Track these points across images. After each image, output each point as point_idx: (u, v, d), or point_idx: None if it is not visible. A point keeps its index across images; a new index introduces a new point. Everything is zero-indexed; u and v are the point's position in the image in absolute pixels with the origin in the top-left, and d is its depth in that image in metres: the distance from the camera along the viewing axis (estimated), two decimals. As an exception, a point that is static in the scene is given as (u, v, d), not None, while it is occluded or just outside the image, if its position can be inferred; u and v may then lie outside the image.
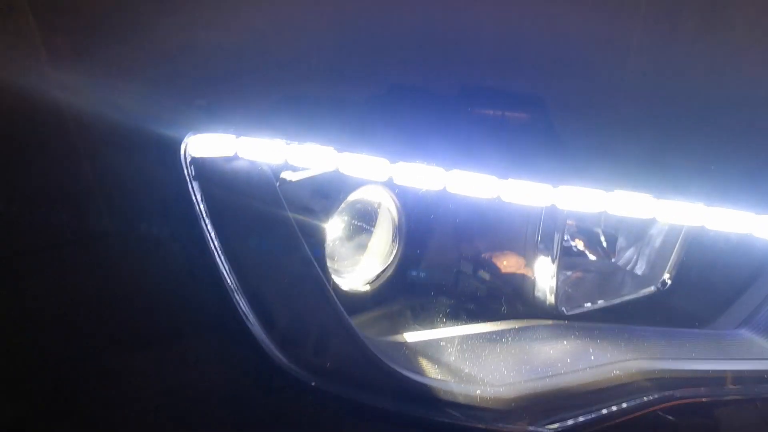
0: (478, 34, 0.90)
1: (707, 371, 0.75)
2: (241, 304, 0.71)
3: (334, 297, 0.70)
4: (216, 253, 0.71)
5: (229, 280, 0.71)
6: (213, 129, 0.71)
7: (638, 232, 0.94)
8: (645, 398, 0.72)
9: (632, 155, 0.77)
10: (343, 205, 0.80)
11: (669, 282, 0.88)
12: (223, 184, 0.71)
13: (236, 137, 0.72)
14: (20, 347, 0.77)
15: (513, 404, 0.70)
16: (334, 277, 0.81)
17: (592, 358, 0.73)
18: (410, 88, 0.78)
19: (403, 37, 0.90)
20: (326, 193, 0.78)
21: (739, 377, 0.76)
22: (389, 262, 0.86)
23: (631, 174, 0.75)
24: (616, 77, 0.96)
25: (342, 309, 0.70)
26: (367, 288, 0.85)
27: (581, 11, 0.93)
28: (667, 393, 0.72)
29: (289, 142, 0.72)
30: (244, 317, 0.71)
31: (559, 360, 0.73)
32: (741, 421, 0.85)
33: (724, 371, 0.76)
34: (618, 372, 0.71)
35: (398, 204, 0.85)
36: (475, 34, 0.90)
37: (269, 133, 0.72)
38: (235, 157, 0.72)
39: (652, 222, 0.91)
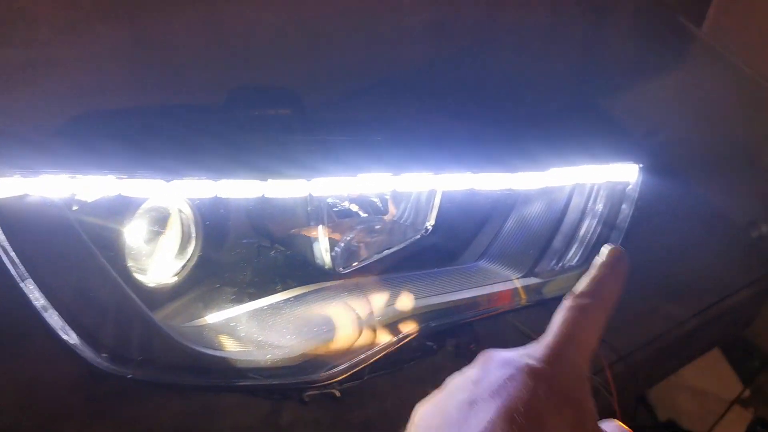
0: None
1: (451, 301, 0.95)
2: (53, 320, 0.82)
3: (134, 297, 0.82)
4: (23, 282, 0.81)
5: (38, 302, 0.81)
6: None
7: (405, 191, 1.11)
8: (406, 334, 0.91)
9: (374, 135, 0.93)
10: (137, 215, 0.91)
11: (430, 228, 1.06)
12: (18, 219, 0.80)
13: (23, 177, 0.80)
14: None
15: (297, 361, 0.87)
16: (140, 276, 0.93)
17: (358, 313, 0.91)
18: (171, 112, 0.90)
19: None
20: (118, 209, 0.88)
21: (477, 301, 0.97)
22: (191, 254, 0.99)
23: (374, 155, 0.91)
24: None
25: (142, 305, 0.82)
26: (175, 279, 0.98)
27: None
28: (423, 324, 0.92)
29: (72, 176, 0.81)
30: (57, 331, 0.82)
31: (332, 317, 0.91)
32: (489, 325, 1.08)
33: (465, 298, 0.96)
34: (379, 318, 0.90)
35: (191, 203, 0.97)
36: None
37: (54, 170, 0.81)
38: (26, 196, 0.80)
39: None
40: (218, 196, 0.85)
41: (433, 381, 1.03)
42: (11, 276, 0.80)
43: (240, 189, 0.85)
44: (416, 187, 0.91)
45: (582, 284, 0.61)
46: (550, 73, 1.23)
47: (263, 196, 0.86)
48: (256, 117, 0.93)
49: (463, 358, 1.07)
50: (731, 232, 1.48)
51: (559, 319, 0.60)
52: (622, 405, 1.13)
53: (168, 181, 0.82)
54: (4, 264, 0.79)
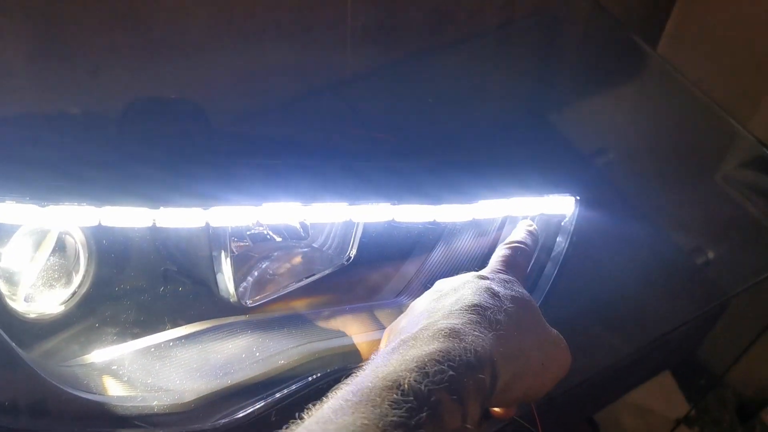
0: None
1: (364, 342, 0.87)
2: None
3: (4, 337, 0.73)
4: None
5: None
6: None
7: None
8: (310, 378, 0.83)
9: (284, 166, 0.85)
10: (15, 237, 0.81)
11: (351, 257, 0.98)
12: None
13: None
14: None
15: (190, 406, 0.78)
16: (16, 305, 0.83)
17: (257, 354, 0.82)
18: (52, 126, 0.80)
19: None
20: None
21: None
22: (82, 280, 0.89)
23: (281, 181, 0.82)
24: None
25: (7, 339, 0.72)
26: (63, 308, 0.88)
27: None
28: (329, 369, 0.84)
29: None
30: None
31: (232, 358, 0.82)
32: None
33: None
34: (282, 361, 0.81)
35: (82, 227, 0.88)
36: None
37: None
38: None
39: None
40: (101, 224, 0.75)
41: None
42: None
43: (127, 217, 0.76)
44: (329, 218, 0.82)
45: (512, 236, 0.92)
46: (491, 95, 1.16)
47: (154, 224, 0.77)
48: (153, 131, 0.84)
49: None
50: (676, 259, 1.43)
51: (497, 254, 0.87)
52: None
53: (42, 206, 0.73)
54: None
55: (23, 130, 0.85)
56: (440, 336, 0.61)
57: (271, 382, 0.81)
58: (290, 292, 0.94)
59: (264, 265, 0.98)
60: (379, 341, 0.88)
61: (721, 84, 1.87)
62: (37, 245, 0.85)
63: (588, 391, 1.22)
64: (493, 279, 0.77)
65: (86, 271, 0.90)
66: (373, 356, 0.62)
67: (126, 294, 0.93)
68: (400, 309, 0.97)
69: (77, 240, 0.88)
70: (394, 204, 0.84)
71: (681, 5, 1.95)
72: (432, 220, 0.88)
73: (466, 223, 1.00)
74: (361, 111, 1.01)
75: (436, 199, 0.86)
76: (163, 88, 0.98)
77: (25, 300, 0.84)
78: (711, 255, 1.47)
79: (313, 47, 1.17)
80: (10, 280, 0.83)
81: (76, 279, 0.89)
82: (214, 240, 0.83)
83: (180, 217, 0.77)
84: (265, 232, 1.00)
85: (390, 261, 1.01)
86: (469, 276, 0.77)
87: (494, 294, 0.72)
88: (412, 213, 0.87)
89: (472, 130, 0.99)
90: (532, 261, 0.92)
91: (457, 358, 0.58)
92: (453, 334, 0.62)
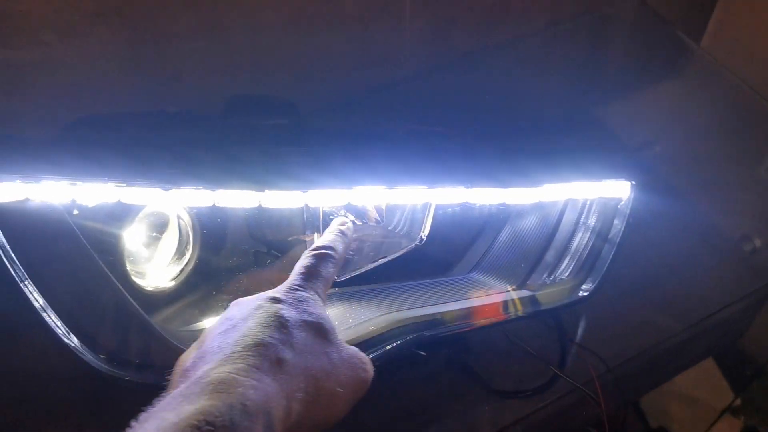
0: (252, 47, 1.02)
1: (443, 312, 0.96)
2: (52, 321, 0.83)
3: (131, 300, 0.83)
4: (22, 280, 0.82)
5: (37, 303, 0.82)
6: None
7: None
8: (396, 342, 0.92)
9: (372, 147, 0.94)
10: (136, 220, 0.92)
11: (425, 238, 1.07)
12: (19, 223, 0.81)
13: (24, 183, 0.81)
14: None
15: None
16: (139, 280, 0.94)
17: (350, 320, 0.92)
18: (170, 121, 0.91)
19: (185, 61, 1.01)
20: (118, 214, 0.89)
21: (468, 313, 0.98)
22: (189, 259, 1.00)
23: (370, 167, 0.91)
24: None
25: (140, 309, 0.83)
26: (173, 283, 0.98)
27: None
28: (414, 335, 0.93)
29: (73, 182, 0.82)
30: (55, 332, 0.83)
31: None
32: (481, 336, 1.10)
33: (457, 310, 0.97)
34: (372, 327, 0.90)
35: (188, 209, 0.98)
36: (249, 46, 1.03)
37: (55, 176, 0.82)
38: (27, 200, 0.82)
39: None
40: (216, 205, 0.85)
41: (427, 388, 1.05)
42: (12, 277, 0.80)
43: (237, 199, 0.86)
44: (411, 200, 0.91)
45: (318, 242, 0.86)
46: (545, 90, 1.24)
47: (260, 206, 0.87)
48: (253, 126, 0.94)
49: (456, 368, 1.08)
50: (724, 245, 1.48)
51: (299, 264, 0.81)
52: (611, 413, 1.14)
53: (166, 190, 0.83)
54: (4, 265, 0.80)
55: (137, 125, 0.96)
56: (207, 391, 0.57)
57: (361, 346, 0.89)
58: (371, 269, 1.03)
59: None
60: (453, 312, 0.97)
61: (761, 78, 1.91)
62: (154, 228, 0.96)
63: (632, 374, 1.27)
64: (286, 301, 0.72)
65: (192, 251, 1.00)
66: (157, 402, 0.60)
67: (224, 272, 1.03)
68: (472, 283, 1.05)
69: (186, 223, 0.98)
70: (468, 187, 0.93)
71: (722, 3, 2.00)
72: (501, 202, 0.97)
73: (531, 206, 1.08)
74: (427, 105, 1.10)
75: (505, 182, 0.94)
76: (247, 88, 1.08)
77: (143, 276, 0.95)
78: (758, 243, 1.52)
79: (375, 46, 1.26)
80: (133, 259, 0.94)
81: (185, 258, 1.00)
82: (309, 220, 0.93)
83: (282, 199, 0.87)
84: (345, 215, 1.10)
85: (460, 241, 1.10)
86: (263, 299, 0.72)
87: (282, 324, 0.68)
88: (484, 195, 0.95)
89: (536, 122, 1.07)
90: (340, 265, 0.85)
91: (219, 419, 0.53)
92: (222, 387, 0.57)
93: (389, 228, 1.12)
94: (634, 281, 1.22)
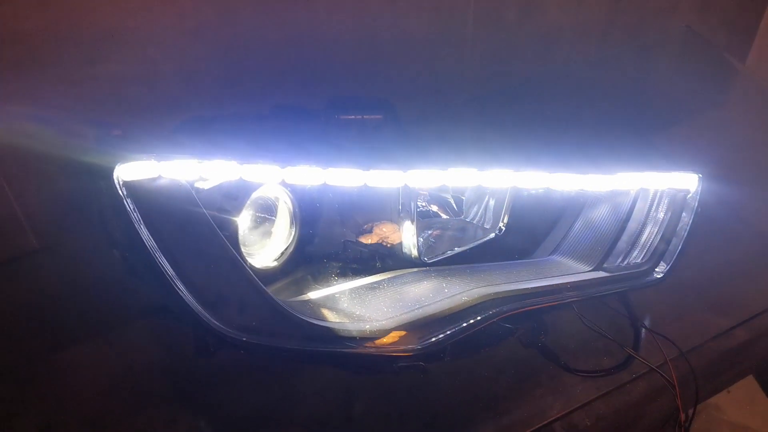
0: (334, 58, 1.12)
1: (529, 288, 1.02)
2: (180, 289, 0.90)
3: (250, 271, 0.91)
4: (153, 252, 0.90)
5: (167, 271, 0.90)
6: (137, 157, 0.89)
7: (480, 195, 1.20)
8: (486, 314, 0.97)
9: (460, 140, 1.02)
10: (248, 202, 1.00)
11: (504, 228, 1.13)
12: (151, 199, 0.88)
13: (158, 161, 0.90)
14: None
15: (398, 334, 0.93)
16: (248, 258, 1.02)
17: (446, 290, 0.98)
18: (286, 108, 0.99)
19: (277, 68, 1.12)
20: (234, 195, 0.97)
21: (552, 289, 1.03)
22: (290, 242, 1.07)
23: (461, 154, 0.99)
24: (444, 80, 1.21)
25: (257, 279, 0.90)
26: (276, 264, 1.06)
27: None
28: (502, 308, 0.98)
29: (200, 160, 0.91)
30: (183, 299, 0.90)
31: (422, 296, 0.98)
32: (556, 319, 1.15)
33: (541, 286, 1.03)
34: (465, 298, 0.96)
35: (292, 196, 1.06)
36: (331, 58, 1.13)
37: (183, 155, 0.91)
38: (159, 177, 0.90)
39: (486, 187, 1.16)
40: (326, 183, 0.93)
41: (507, 364, 1.09)
42: (146, 248, 0.88)
43: (345, 177, 0.93)
44: (498, 183, 0.98)
45: None
46: (615, 93, 1.32)
47: (365, 184, 0.94)
48: (353, 121, 1.02)
49: (533, 347, 1.13)
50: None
51: None
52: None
53: (282, 167, 0.91)
54: (140, 237, 0.88)
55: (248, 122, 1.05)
56: None
57: (455, 316, 0.95)
58: (457, 253, 1.09)
59: (429, 234, 1.14)
60: (537, 288, 1.03)
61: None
62: (262, 213, 1.03)
63: (699, 365, 1.27)
64: None
65: (294, 235, 1.08)
66: None
67: (319, 257, 1.10)
68: (553, 264, 1.11)
69: (289, 208, 1.06)
70: (550, 173, 1.00)
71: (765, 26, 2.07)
72: (579, 189, 1.03)
73: (605, 195, 1.14)
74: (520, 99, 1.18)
75: (582, 169, 1.01)
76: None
77: (252, 256, 1.03)
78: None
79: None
80: (243, 240, 1.01)
81: (288, 241, 1.07)
82: (404, 209, 1.00)
83: (385, 178, 0.94)
84: (429, 209, 1.17)
85: (537, 228, 1.16)
86: None
87: None
88: (564, 181, 1.02)
89: (612, 119, 1.14)
90: None
91: None
92: None
93: (468, 218, 1.19)
94: (698, 275, 1.26)
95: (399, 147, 0.97)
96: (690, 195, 1.11)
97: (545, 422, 1.03)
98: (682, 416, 1.10)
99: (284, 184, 0.99)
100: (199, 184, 0.94)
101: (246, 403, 1.07)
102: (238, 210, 0.97)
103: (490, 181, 0.98)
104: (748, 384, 2.33)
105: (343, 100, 1.06)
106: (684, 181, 1.11)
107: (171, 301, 0.90)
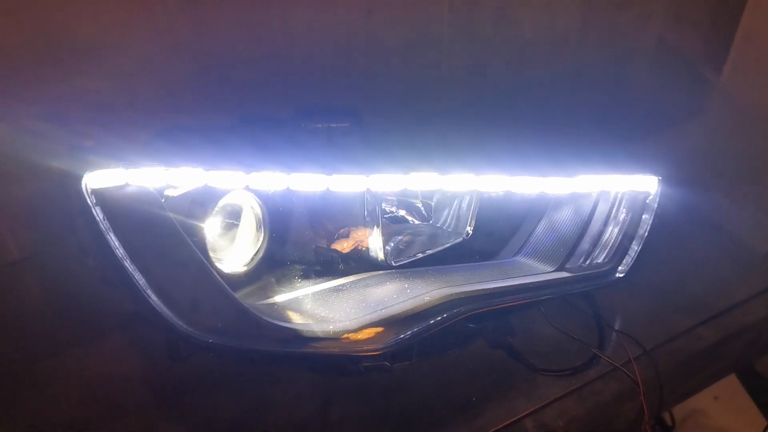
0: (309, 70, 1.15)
1: (491, 288, 1.04)
2: (149, 295, 0.92)
3: (217, 276, 0.92)
4: (122, 260, 0.91)
5: (137, 278, 0.91)
6: (105, 165, 0.91)
7: (449, 199, 1.22)
8: (449, 313, 0.99)
9: (424, 144, 1.05)
10: (216, 209, 1.02)
11: (471, 232, 1.15)
12: (120, 206, 0.90)
13: (125, 169, 0.92)
14: None
15: (361, 335, 0.95)
16: (217, 263, 1.03)
17: (408, 291, 0.99)
18: (254, 117, 1.02)
19: (246, 77, 1.14)
20: (202, 202, 0.99)
21: (514, 289, 1.05)
22: (259, 247, 1.09)
23: (423, 158, 1.01)
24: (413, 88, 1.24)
25: (224, 283, 0.92)
26: (245, 269, 1.07)
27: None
28: (464, 307, 1.00)
29: (167, 168, 0.93)
30: (153, 305, 0.91)
31: (386, 297, 0.99)
32: (523, 321, 1.17)
33: (503, 286, 1.05)
34: (428, 298, 0.98)
35: (259, 202, 1.08)
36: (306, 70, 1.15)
37: (151, 163, 0.93)
38: (127, 185, 0.91)
39: (452, 192, 1.19)
40: (289, 188, 0.95)
41: (475, 365, 1.11)
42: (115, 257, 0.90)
43: (308, 182, 0.95)
44: (460, 186, 1.00)
45: None
46: (581, 99, 1.35)
47: (327, 189, 0.96)
48: (320, 129, 1.05)
49: (500, 348, 1.15)
50: (745, 244, 1.52)
51: None
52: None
53: (247, 173, 0.93)
54: (108, 246, 0.90)
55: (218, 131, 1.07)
56: None
57: (417, 316, 0.97)
58: (423, 257, 1.11)
59: (398, 239, 1.16)
60: (500, 289, 1.04)
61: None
62: (231, 218, 1.05)
63: (665, 363, 1.29)
64: None
65: (262, 241, 1.09)
66: None
67: (289, 262, 1.12)
68: (516, 265, 1.13)
69: (258, 214, 1.08)
70: (511, 176, 1.02)
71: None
72: (540, 191, 1.06)
73: (568, 198, 1.16)
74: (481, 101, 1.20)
75: (543, 172, 1.03)
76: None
77: (221, 261, 1.04)
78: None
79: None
80: (212, 246, 1.03)
81: (256, 246, 1.09)
82: (369, 213, 1.03)
83: (347, 183, 0.96)
84: (397, 213, 1.19)
85: (503, 230, 1.19)
86: None
87: None
88: (524, 184, 1.04)
89: (572, 121, 1.17)
90: None
91: None
92: None
93: (437, 225, 1.21)
94: (660, 273, 1.29)
95: (364, 153, 0.99)
96: (650, 197, 1.14)
97: (516, 419, 1.05)
98: (646, 411, 1.11)
99: (251, 190, 1.01)
100: (168, 192, 0.96)
101: (222, 409, 1.09)
102: (206, 216, 0.99)
103: (452, 184, 1.01)
104: (735, 390, 2.35)
105: (310, 109, 1.09)
106: (644, 184, 1.13)
107: (141, 307, 0.92)
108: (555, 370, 1.12)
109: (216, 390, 1.11)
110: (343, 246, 1.10)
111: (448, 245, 1.14)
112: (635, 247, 1.14)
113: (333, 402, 1.09)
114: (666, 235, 1.19)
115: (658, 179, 1.13)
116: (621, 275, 1.12)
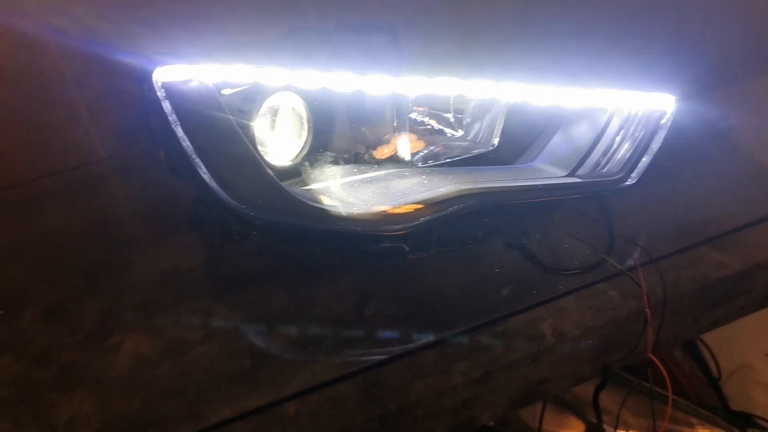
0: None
1: (505, 186, 1.13)
2: (208, 179, 1.03)
3: (264, 164, 1.04)
4: (187, 148, 1.03)
5: (198, 164, 1.03)
6: (172, 62, 1.04)
7: (478, 114, 1.31)
8: (465, 203, 1.08)
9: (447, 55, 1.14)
10: (265, 108, 1.15)
11: (496, 144, 1.25)
12: (185, 100, 1.00)
13: (189, 65, 1.05)
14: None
15: (381, 216, 1.07)
16: (265, 157, 1.17)
17: (427, 183, 1.10)
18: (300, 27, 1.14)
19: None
20: (253, 99, 1.12)
21: (527, 189, 1.14)
22: (303, 143, 1.22)
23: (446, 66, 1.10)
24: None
25: (265, 167, 1.04)
26: (290, 163, 1.21)
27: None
28: (480, 200, 1.10)
29: (223, 65, 1.06)
30: (211, 186, 1.03)
31: (407, 189, 1.11)
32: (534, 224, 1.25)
33: (517, 186, 1.14)
34: (444, 191, 1.08)
35: (304, 102, 1.20)
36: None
37: (210, 61, 1.06)
38: (190, 80, 1.04)
39: (484, 102, 1.28)
40: (325, 87, 1.07)
41: (491, 262, 1.20)
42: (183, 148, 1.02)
43: (342, 81, 1.06)
44: (480, 93, 1.09)
45: None
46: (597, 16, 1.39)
47: (359, 90, 1.07)
48: (359, 42, 1.15)
49: (515, 249, 1.25)
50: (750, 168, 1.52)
51: None
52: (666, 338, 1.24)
53: (292, 70, 1.05)
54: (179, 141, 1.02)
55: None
56: None
57: (436, 206, 1.07)
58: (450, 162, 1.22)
59: (431, 148, 1.27)
60: (514, 187, 1.13)
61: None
62: (278, 118, 1.18)
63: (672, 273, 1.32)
64: None
65: (307, 137, 1.22)
66: None
67: (329, 157, 1.25)
68: (531, 170, 1.23)
69: (302, 114, 1.21)
70: (528, 84, 1.10)
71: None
72: (557, 104, 1.13)
73: (582, 113, 1.23)
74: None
75: (559, 82, 1.11)
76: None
77: (269, 156, 1.17)
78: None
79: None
80: (261, 142, 1.16)
81: (301, 142, 1.22)
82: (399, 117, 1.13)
83: (377, 83, 1.07)
84: (429, 122, 1.30)
85: (525, 142, 1.28)
86: None
87: None
88: (542, 95, 1.12)
89: (589, 36, 1.23)
90: None
91: None
92: None
93: (468, 138, 1.31)
94: (667, 188, 1.35)
95: (393, 57, 1.09)
96: (666, 117, 1.19)
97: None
98: (648, 313, 1.18)
99: (296, 91, 1.14)
100: (225, 91, 1.08)
101: (273, 300, 1.24)
102: (256, 113, 1.12)
103: (472, 90, 1.10)
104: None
105: (351, 26, 1.19)
106: (660, 102, 1.19)
107: (202, 190, 1.04)
108: (563, 270, 1.21)
109: (268, 284, 1.26)
110: (392, 151, 1.21)
111: (473, 154, 1.24)
112: (645, 160, 1.19)
113: (369, 301, 1.22)
114: (681, 151, 1.23)
115: (675, 98, 1.18)
116: (631, 182, 1.18)
